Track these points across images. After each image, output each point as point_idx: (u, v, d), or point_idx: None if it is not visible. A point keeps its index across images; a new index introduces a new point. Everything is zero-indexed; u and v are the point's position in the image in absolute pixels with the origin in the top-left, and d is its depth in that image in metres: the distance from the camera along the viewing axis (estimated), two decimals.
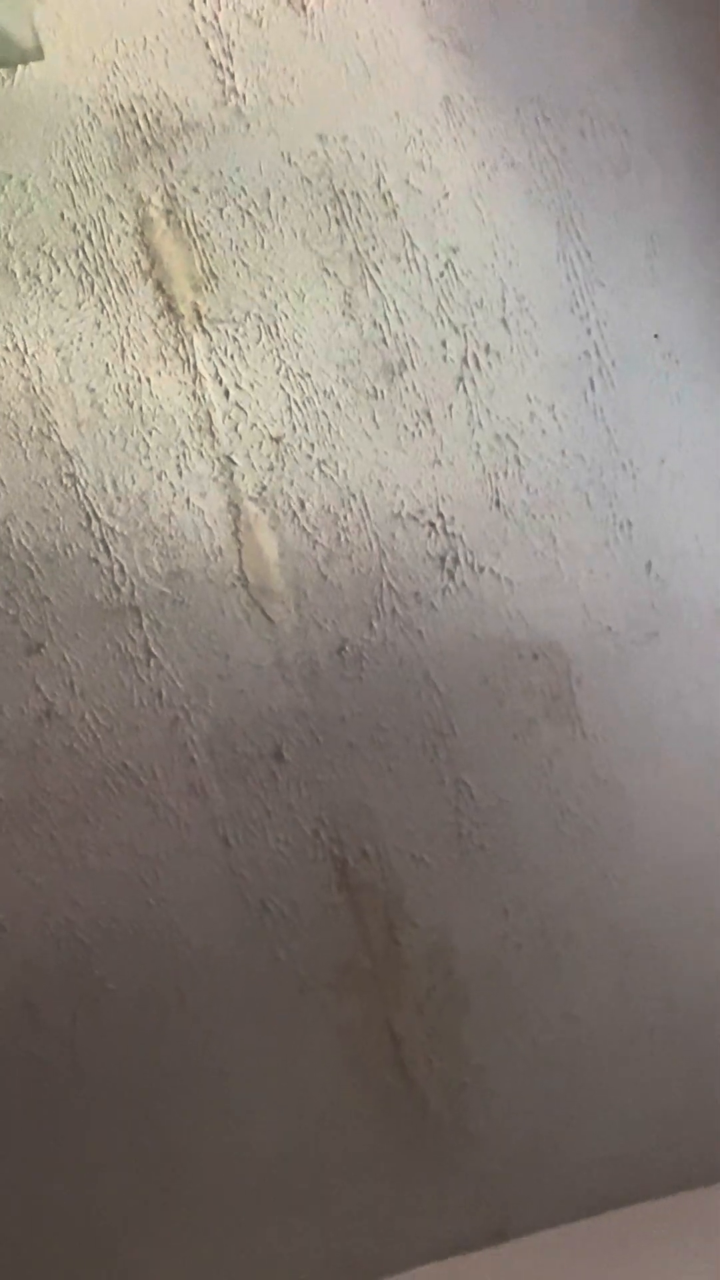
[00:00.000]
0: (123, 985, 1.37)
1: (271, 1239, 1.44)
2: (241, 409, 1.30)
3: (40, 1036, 1.37)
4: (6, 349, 1.27)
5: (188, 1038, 1.38)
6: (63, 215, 1.27)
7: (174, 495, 1.31)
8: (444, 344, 1.31)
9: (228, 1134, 1.41)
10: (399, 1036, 1.41)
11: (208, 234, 1.29)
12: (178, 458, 1.30)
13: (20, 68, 1.26)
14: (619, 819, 1.39)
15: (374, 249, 1.30)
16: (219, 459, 1.31)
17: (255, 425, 1.31)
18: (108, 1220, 1.42)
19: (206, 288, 1.29)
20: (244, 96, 1.28)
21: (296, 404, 1.31)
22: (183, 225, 1.28)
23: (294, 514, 1.32)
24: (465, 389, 1.32)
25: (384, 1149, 1.43)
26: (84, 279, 1.28)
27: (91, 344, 1.28)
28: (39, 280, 1.28)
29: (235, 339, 1.30)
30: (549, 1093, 1.45)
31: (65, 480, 1.30)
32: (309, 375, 1.31)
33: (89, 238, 1.27)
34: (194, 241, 1.29)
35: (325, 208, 1.29)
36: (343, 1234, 1.46)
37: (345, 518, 1.33)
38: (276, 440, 1.31)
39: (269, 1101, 1.41)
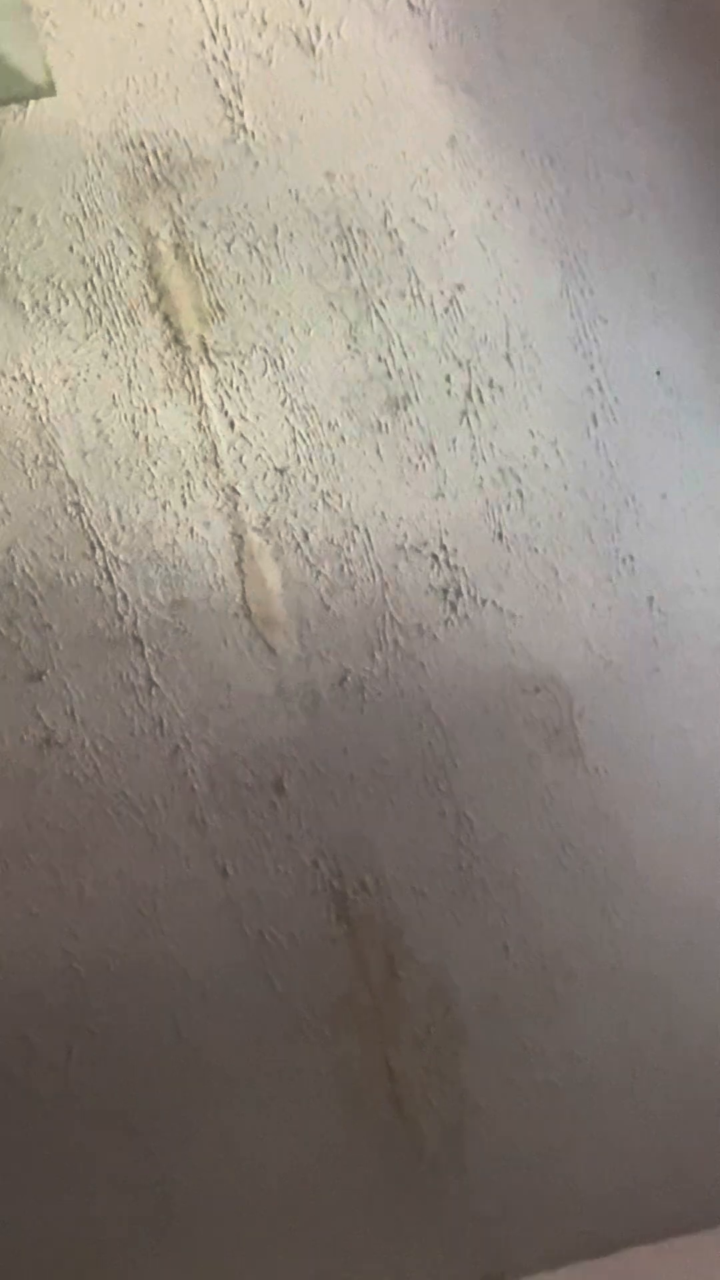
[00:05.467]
0: (119, 1017, 1.35)
1: (258, 1272, 1.42)
2: (246, 440, 1.31)
3: (36, 1069, 1.36)
4: (14, 379, 1.28)
5: (183, 1071, 1.36)
6: (72, 248, 1.29)
7: (178, 525, 1.31)
8: (448, 379, 1.32)
9: (222, 1168, 1.39)
10: (396, 1073, 1.39)
11: (215, 268, 1.30)
12: (182, 488, 1.31)
13: (32, 103, 1.28)
14: (620, 854, 1.39)
15: (379, 285, 1.31)
16: (223, 489, 1.32)
17: (260, 456, 1.32)
18: (101, 1254, 1.39)
19: (213, 320, 1.30)
20: (253, 134, 1.30)
21: (301, 436, 1.32)
22: (190, 259, 1.30)
23: (297, 545, 1.33)
24: (469, 423, 1.33)
25: (379, 1187, 1.41)
26: (92, 311, 1.29)
27: (98, 375, 1.29)
28: (47, 312, 1.29)
29: (241, 371, 1.31)
30: (548, 1133, 1.43)
31: (70, 509, 1.30)
32: (314, 408, 1.32)
33: (98, 270, 1.29)
34: (201, 275, 1.30)
35: (332, 244, 1.31)
36: (334, 1272, 1.43)
37: (348, 549, 1.33)
38: (281, 471, 1.32)
39: (264, 1136, 1.39)
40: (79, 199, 1.29)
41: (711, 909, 1.41)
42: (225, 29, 1.28)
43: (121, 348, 1.30)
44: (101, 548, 1.31)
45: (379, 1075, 1.39)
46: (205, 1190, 1.39)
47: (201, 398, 1.31)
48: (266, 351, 1.31)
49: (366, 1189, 1.41)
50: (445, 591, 1.35)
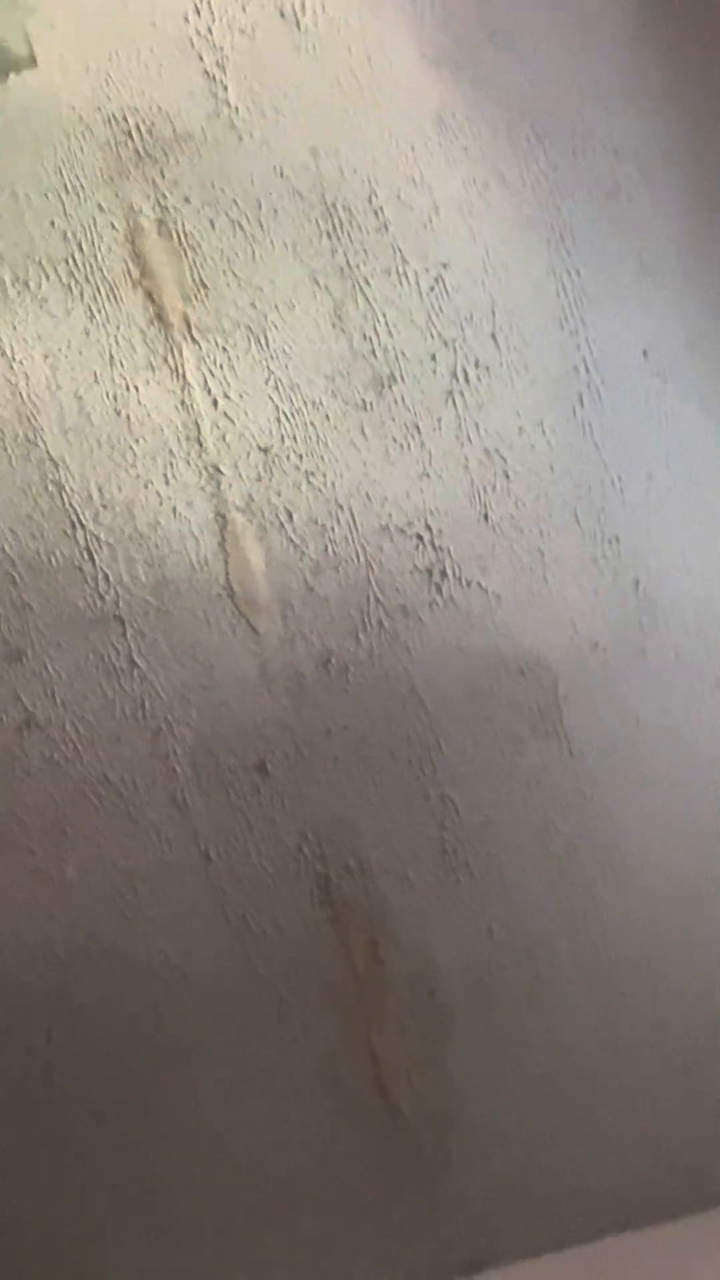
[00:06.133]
0: (100, 1002, 1.34)
1: (244, 1261, 1.41)
2: (230, 419, 1.30)
3: (15, 1056, 1.34)
4: None
5: (165, 1057, 1.35)
6: (53, 223, 1.27)
7: (160, 504, 1.30)
8: (433, 358, 1.31)
9: (203, 1154, 1.38)
10: (380, 1058, 1.38)
11: (199, 244, 1.29)
12: (165, 467, 1.30)
13: (13, 76, 1.26)
14: (606, 837, 1.38)
15: (365, 263, 1.30)
16: (206, 469, 1.30)
17: (243, 435, 1.30)
18: (81, 1240, 1.38)
19: (196, 298, 1.29)
20: (237, 109, 1.28)
21: (285, 415, 1.30)
22: (174, 235, 1.28)
23: (281, 525, 1.31)
24: (454, 403, 1.32)
25: (362, 1173, 1.40)
26: (73, 287, 1.27)
27: (80, 352, 1.28)
28: (28, 287, 1.27)
29: (224, 349, 1.29)
30: (533, 1118, 1.42)
31: (51, 487, 1.28)
32: (298, 386, 1.30)
33: (79, 246, 1.27)
34: (185, 252, 1.29)
35: (316, 221, 1.29)
36: (318, 1259, 1.42)
37: (333, 529, 1.32)
38: (264, 451, 1.31)
39: (246, 1123, 1.38)
40: (60, 174, 1.27)
41: (698, 893, 1.40)
42: (209, 3, 1.27)
43: (103, 324, 1.28)
44: (83, 527, 1.29)
45: (363, 1060, 1.38)
46: (186, 1175, 1.38)
47: (184, 375, 1.29)
48: (250, 329, 1.30)
49: (350, 1174, 1.40)
50: (430, 573, 1.34)
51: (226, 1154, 1.38)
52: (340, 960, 1.36)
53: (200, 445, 1.30)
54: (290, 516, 1.31)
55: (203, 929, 1.34)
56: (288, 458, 1.31)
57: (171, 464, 1.30)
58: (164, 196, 1.28)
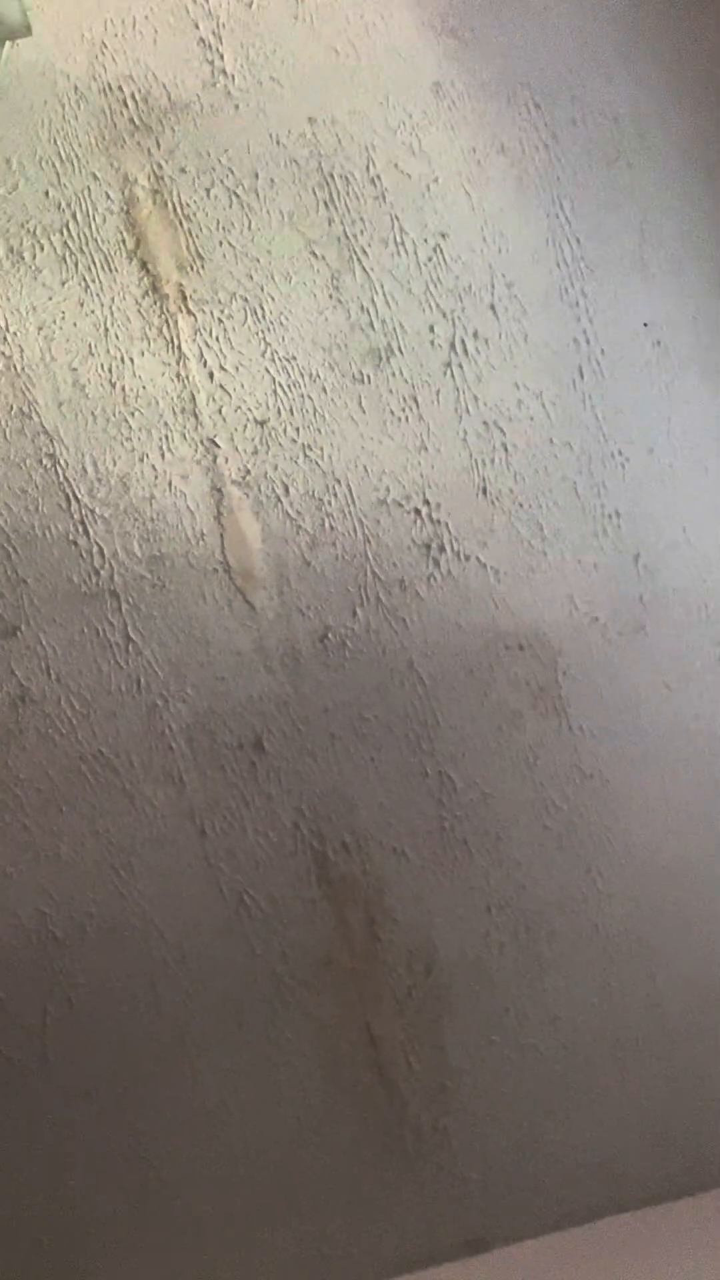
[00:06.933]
0: (95, 979, 1.33)
1: (242, 1241, 1.40)
2: (226, 391, 1.29)
3: (10, 1033, 1.33)
4: None
5: (161, 1034, 1.34)
6: (48, 193, 1.26)
7: (156, 478, 1.29)
8: (432, 329, 1.30)
9: (200, 1133, 1.37)
10: (377, 1036, 1.37)
11: (194, 214, 1.27)
12: (160, 440, 1.28)
13: (8, 44, 1.24)
14: (604, 814, 1.37)
15: (362, 232, 1.29)
16: (202, 442, 1.29)
17: (240, 408, 1.29)
18: (76, 1219, 1.37)
19: (192, 268, 1.28)
20: (233, 78, 1.27)
21: (282, 387, 1.29)
22: (169, 205, 1.27)
23: (278, 499, 1.30)
24: (453, 375, 1.31)
25: (360, 1153, 1.40)
26: (68, 257, 1.26)
27: (74, 323, 1.27)
28: (22, 258, 1.26)
29: (220, 320, 1.28)
30: (531, 1097, 1.41)
31: (45, 460, 1.27)
32: (295, 359, 1.29)
33: (74, 216, 1.26)
34: (180, 222, 1.27)
35: (314, 190, 1.28)
36: (316, 1239, 1.41)
37: (330, 503, 1.31)
38: (261, 424, 1.29)
39: (242, 1101, 1.37)
40: (55, 143, 1.26)
41: (696, 869, 1.39)
42: None
43: (98, 295, 1.27)
44: (78, 500, 1.28)
45: (359, 1039, 1.37)
46: (184, 1155, 1.37)
47: (180, 347, 1.28)
48: (246, 300, 1.28)
49: (346, 1154, 1.39)
50: (428, 547, 1.32)
51: (222, 1132, 1.37)
52: (337, 938, 1.35)
53: (196, 418, 1.29)
54: (287, 490, 1.30)
55: (199, 906, 1.33)
56: (284, 431, 1.30)
57: (167, 437, 1.28)
58: (159, 166, 1.26)
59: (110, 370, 1.27)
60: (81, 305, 1.26)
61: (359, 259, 1.29)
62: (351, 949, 1.36)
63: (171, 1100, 1.36)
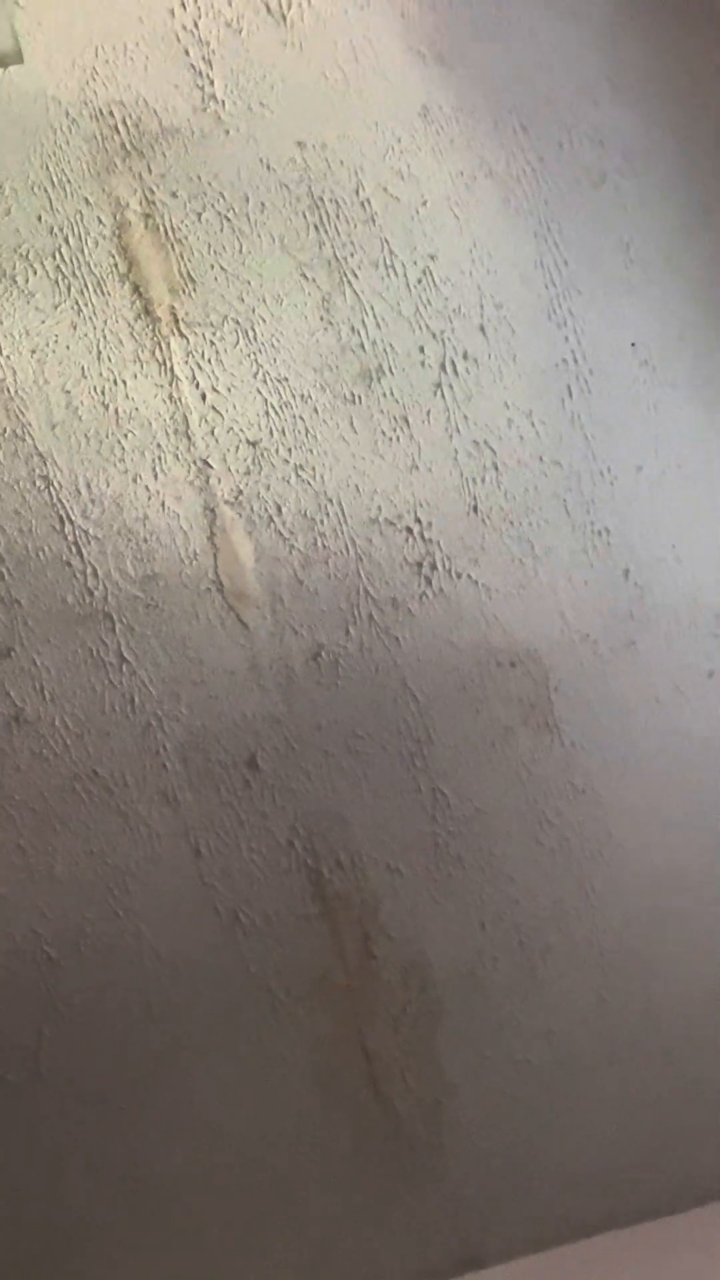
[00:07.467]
0: (91, 999, 1.33)
1: (236, 1260, 1.40)
2: (218, 413, 1.30)
3: (6, 1052, 1.33)
4: None
5: (156, 1053, 1.34)
6: (40, 217, 1.27)
7: (149, 498, 1.29)
8: (422, 350, 1.31)
9: (195, 1152, 1.37)
10: (372, 1052, 1.38)
11: (186, 238, 1.29)
12: (153, 461, 1.29)
13: (0, 71, 1.26)
14: (597, 829, 1.38)
15: (352, 255, 1.30)
16: (195, 462, 1.30)
17: (232, 429, 1.30)
18: (71, 1239, 1.37)
19: (184, 291, 1.29)
20: (223, 103, 1.28)
21: (273, 408, 1.30)
22: (161, 229, 1.28)
23: (270, 518, 1.31)
24: (443, 395, 1.32)
25: (355, 1169, 1.39)
26: (60, 281, 1.27)
27: (67, 346, 1.28)
28: (15, 282, 1.27)
29: (212, 343, 1.29)
30: (526, 1112, 1.41)
31: (38, 482, 1.28)
32: (286, 380, 1.30)
33: (66, 240, 1.27)
34: (172, 245, 1.29)
35: (304, 214, 1.29)
36: (311, 1257, 1.41)
37: (322, 522, 1.32)
38: (253, 444, 1.30)
39: (238, 1119, 1.37)
40: (47, 168, 1.27)
41: (689, 883, 1.40)
42: None
43: (91, 318, 1.28)
44: (71, 521, 1.29)
45: (355, 1055, 1.37)
46: (181, 1174, 1.37)
47: (172, 369, 1.29)
48: (238, 323, 1.30)
49: (342, 1171, 1.39)
50: (420, 565, 1.33)
51: (218, 1151, 1.37)
52: (332, 954, 1.35)
53: (189, 439, 1.30)
54: (279, 510, 1.31)
55: (194, 924, 1.33)
56: (276, 451, 1.31)
57: (160, 458, 1.29)
58: (151, 190, 1.28)
59: (103, 392, 1.28)
60: (74, 328, 1.27)
61: (349, 281, 1.30)
62: (346, 966, 1.36)
63: (166, 1118, 1.36)
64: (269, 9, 1.29)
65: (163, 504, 1.30)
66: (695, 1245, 1.43)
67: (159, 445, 1.29)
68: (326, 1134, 1.38)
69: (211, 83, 1.28)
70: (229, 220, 1.29)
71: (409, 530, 1.33)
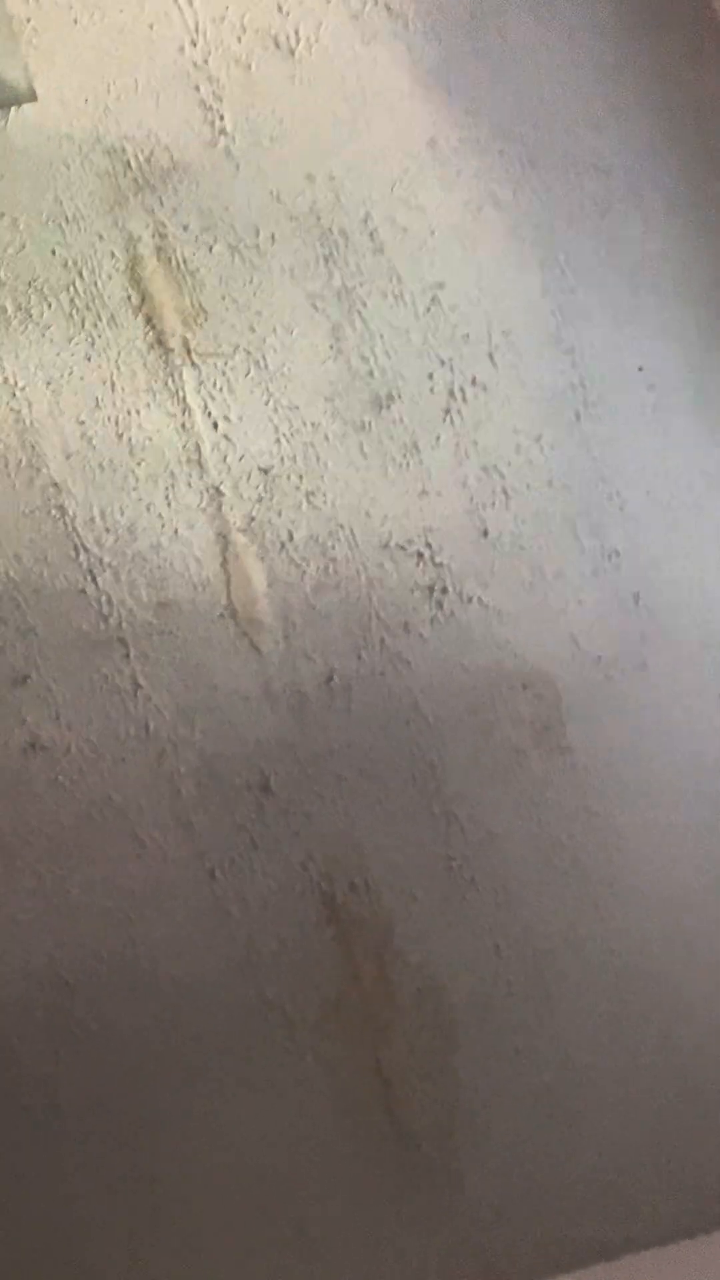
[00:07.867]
0: (106, 1025, 1.34)
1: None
2: (230, 441, 1.31)
3: (21, 1080, 1.34)
4: None
5: (172, 1078, 1.35)
6: (54, 252, 1.29)
7: (162, 526, 1.31)
8: (431, 377, 1.33)
9: (211, 1177, 1.37)
10: (388, 1077, 1.38)
11: (197, 270, 1.30)
12: (166, 489, 1.31)
13: (13, 109, 1.29)
14: (610, 851, 1.38)
15: (361, 285, 1.32)
16: (207, 490, 1.31)
17: (244, 457, 1.32)
18: (89, 1264, 1.37)
19: (196, 322, 1.31)
20: (233, 137, 1.30)
21: (285, 436, 1.32)
22: (173, 262, 1.30)
23: (282, 545, 1.32)
24: (452, 421, 1.33)
25: (371, 1194, 1.39)
26: (74, 314, 1.29)
27: (82, 377, 1.29)
28: (30, 315, 1.29)
29: (224, 373, 1.31)
30: (543, 1136, 1.41)
31: (54, 512, 1.30)
32: (297, 408, 1.32)
33: (80, 274, 1.29)
34: (184, 278, 1.30)
35: (313, 245, 1.31)
36: None
37: (333, 548, 1.33)
38: (265, 472, 1.32)
39: (254, 1144, 1.37)
40: (60, 203, 1.29)
41: (704, 906, 1.40)
42: (205, 34, 1.30)
43: (104, 350, 1.30)
44: (86, 550, 1.30)
45: (370, 1079, 1.37)
46: (196, 1197, 1.37)
47: (185, 399, 1.31)
48: (249, 352, 1.31)
49: (357, 1194, 1.39)
50: (431, 589, 1.34)
51: (233, 1175, 1.37)
52: (346, 978, 1.36)
53: (201, 467, 1.31)
54: (291, 536, 1.32)
55: (208, 949, 1.34)
56: (288, 478, 1.32)
57: (173, 486, 1.31)
58: (163, 224, 1.30)
59: (117, 422, 1.30)
60: (88, 360, 1.29)
61: (358, 310, 1.32)
62: (361, 990, 1.36)
63: (183, 1141, 1.36)
64: (277, 45, 1.31)
65: (176, 531, 1.31)
66: (717, 1267, 1.42)
67: (172, 474, 1.31)
68: (342, 1159, 1.38)
69: (221, 118, 1.30)
70: (240, 252, 1.31)
71: (420, 555, 1.34)
